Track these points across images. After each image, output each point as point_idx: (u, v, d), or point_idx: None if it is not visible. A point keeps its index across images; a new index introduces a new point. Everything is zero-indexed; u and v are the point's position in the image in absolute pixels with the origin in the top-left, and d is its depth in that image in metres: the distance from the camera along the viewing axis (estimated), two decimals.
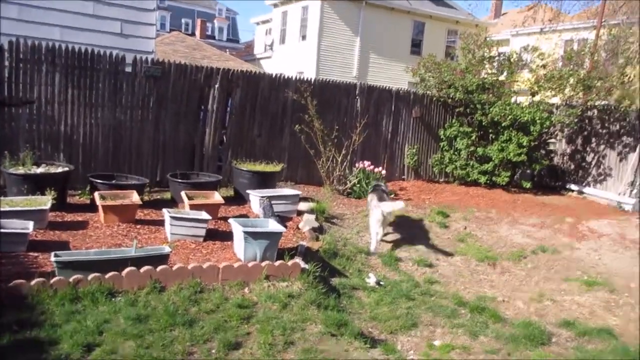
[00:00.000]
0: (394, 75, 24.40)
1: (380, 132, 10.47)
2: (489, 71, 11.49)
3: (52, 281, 4.03)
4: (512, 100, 12.20)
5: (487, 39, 12.60)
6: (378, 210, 6.81)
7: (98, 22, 8.03)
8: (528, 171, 11.69)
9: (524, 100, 12.15)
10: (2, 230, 4.72)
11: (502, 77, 11.51)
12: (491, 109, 10.77)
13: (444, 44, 26.29)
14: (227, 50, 33.77)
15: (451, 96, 10.98)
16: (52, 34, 7.55)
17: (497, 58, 11.64)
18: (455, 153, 11.13)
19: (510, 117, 10.64)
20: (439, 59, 11.78)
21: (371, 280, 5.74)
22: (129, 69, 7.63)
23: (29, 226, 4.93)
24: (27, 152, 6.45)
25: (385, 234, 7.15)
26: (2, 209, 5.18)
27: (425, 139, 11.14)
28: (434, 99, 11.16)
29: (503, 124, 10.73)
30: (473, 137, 10.95)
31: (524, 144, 10.63)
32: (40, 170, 6.26)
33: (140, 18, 8.39)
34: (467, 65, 11.36)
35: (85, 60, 7.24)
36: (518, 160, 10.70)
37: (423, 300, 5.59)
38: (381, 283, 5.80)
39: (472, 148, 10.95)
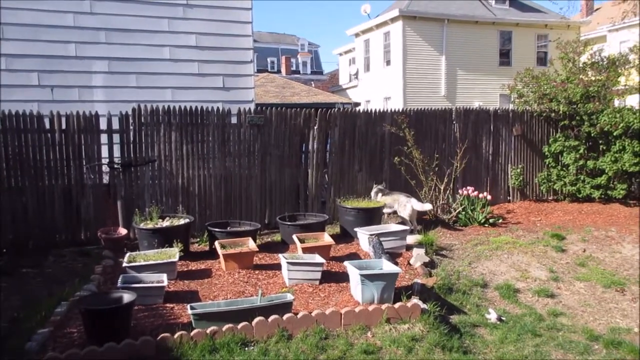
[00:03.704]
0: (484, 89, 23.85)
1: (481, 154, 10.24)
2: (592, 78, 10.87)
3: (192, 333, 4.36)
4: (617, 103, 11.44)
5: (584, 41, 11.94)
6: (409, 204, 8.02)
7: (203, 80, 8.72)
8: None
9: (635, 102, 11.34)
10: (143, 285, 5.19)
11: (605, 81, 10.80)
12: (599, 118, 10.16)
13: (534, 50, 25.34)
14: (312, 82, 34.87)
15: (553, 109, 10.51)
16: (164, 96, 8.32)
17: (601, 63, 10.99)
18: (563, 169, 10.59)
19: (622, 125, 9.96)
20: (536, 72, 11.34)
21: (492, 316, 5.58)
22: (234, 120, 8.14)
23: (164, 279, 5.37)
24: (153, 207, 7.07)
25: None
26: (139, 264, 5.70)
27: (529, 157, 10.73)
28: (535, 114, 10.74)
29: (614, 133, 10.07)
30: (581, 150, 10.36)
31: None
32: (166, 223, 6.82)
33: (239, 70, 9.00)
34: (567, 75, 10.85)
35: (196, 116, 7.85)
36: (635, 170, 9.97)
37: (551, 336, 5.33)
38: (502, 318, 5.63)
39: (581, 162, 10.36)
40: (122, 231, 7.14)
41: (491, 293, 6.40)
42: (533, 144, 10.76)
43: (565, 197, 10.74)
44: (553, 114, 10.60)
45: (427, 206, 8.17)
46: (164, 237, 6.49)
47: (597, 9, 30.61)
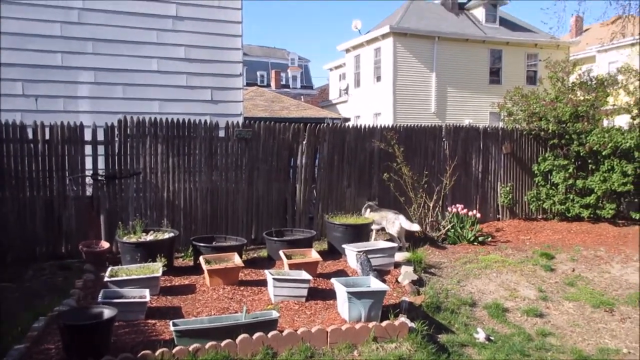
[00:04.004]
0: (474, 107, 24.15)
1: (470, 172, 10.32)
2: (581, 98, 11.07)
3: (174, 351, 4.30)
4: (606, 123, 11.63)
5: (573, 61, 12.19)
6: (398, 222, 7.98)
7: (191, 92, 8.76)
8: (636, 200, 10.93)
9: (624, 123, 11.54)
10: (125, 300, 5.13)
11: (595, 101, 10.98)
12: (588, 138, 10.32)
13: (524, 69, 25.76)
14: (302, 97, 35.03)
15: (543, 128, 10.66)
16: (152, 108, 8.33)
17: (590, 83, 11.20)
18: (552, 188, 10.70)
19: (610, 144, 10.12)
20: (526, 91, 11.52)
21: (480, 335, 5.58)
22: (221, 134, 8.13)
23: (146, 294, 5.30)
24: (137, 220, 7.01)
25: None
26: (121, 279, 5.63)
27: (518, 176, 10.84)
28: (524, 132, 10.88)
29: (603, 153, 10.24)
30: (570, 170, 10.49)
31: (629, 172, 10.06)
32: (149, 237, 6.76)
33: (228, 84, 9.05)
34: (557, 95, 11.03)
35: (184, 129, 7.83)
36: (624, 190, 10.13)
37: (539, 357, 5.33)
38: (491, 338, 5.62)
39: (570, 181, 10.48)
40: (105, 245, 7.07)
41: (480, 312, 6.41)
42: (522, 162, 10.87)
43: (554, 216, 10.84)
44: (542, 133, 10.75)
45: (415, 227, 8.12)
46: (147, 252, 6.42)
47: (586, 30, 31.23)
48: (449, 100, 24.27)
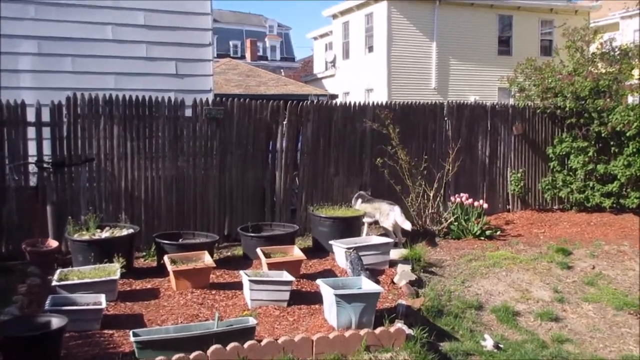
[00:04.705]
0: (480, 81, 24.20)
1: (476, 156, 10.40)
2: (603, 70, 11.14)
3: None
4: (630, 100, 11.73)
5: (593, 28, 12.26)
6: (393, 214, 8.04)
7: (152, 65, 8.68)
8: None
9: None
10: (77, 308, 5.10)
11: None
12: (611, 117, 10.40)
13: (537, 37, 25.85)
14: (282, 70, 34.95)
15: (559, 105, 10.74)
16: (106, 83, 8.22)
17: (612, 54, 11.27)
18: (570, 174, 10.82)
19: (635, 124, 10.21)
20: (540, 62, 11.57)
21: (488, 343, 5.65)
22: (188, 113, 8.09)
23: (101, 300, 5.27)
24: (90, 214, 6.97)
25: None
26: (72, 282, 5.60)
27: (531, 160, 10.96)
28: (538, 110, 10.97)
29: (627, 134, 10.32)
30: (590, 153, 10.61)
31: None
32: (105, 234, 6.73)
33: (195, 55, 9.00)
34: (575, 67, 11.10)
35: (144, 108, 7.77)
36: None
37: None
38: (500, 346, 5.70)
39: (590, 166, 10.60)
40: (52, 243, 7.00)
41: (487, 316, 6.49)
42: (536, 144, 10.97)
43: (572, 206, 10.97)
44: (558, 111, 10.83)
45: (407, 225, 8.11)
46: (102, 251, 6.39)
47: None
48: (452, 74, 24.33)
